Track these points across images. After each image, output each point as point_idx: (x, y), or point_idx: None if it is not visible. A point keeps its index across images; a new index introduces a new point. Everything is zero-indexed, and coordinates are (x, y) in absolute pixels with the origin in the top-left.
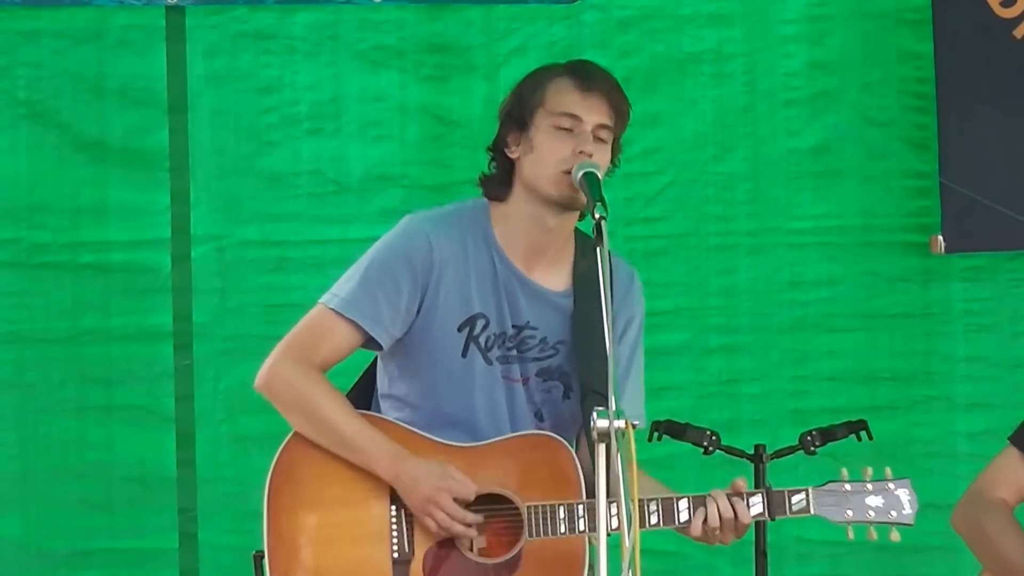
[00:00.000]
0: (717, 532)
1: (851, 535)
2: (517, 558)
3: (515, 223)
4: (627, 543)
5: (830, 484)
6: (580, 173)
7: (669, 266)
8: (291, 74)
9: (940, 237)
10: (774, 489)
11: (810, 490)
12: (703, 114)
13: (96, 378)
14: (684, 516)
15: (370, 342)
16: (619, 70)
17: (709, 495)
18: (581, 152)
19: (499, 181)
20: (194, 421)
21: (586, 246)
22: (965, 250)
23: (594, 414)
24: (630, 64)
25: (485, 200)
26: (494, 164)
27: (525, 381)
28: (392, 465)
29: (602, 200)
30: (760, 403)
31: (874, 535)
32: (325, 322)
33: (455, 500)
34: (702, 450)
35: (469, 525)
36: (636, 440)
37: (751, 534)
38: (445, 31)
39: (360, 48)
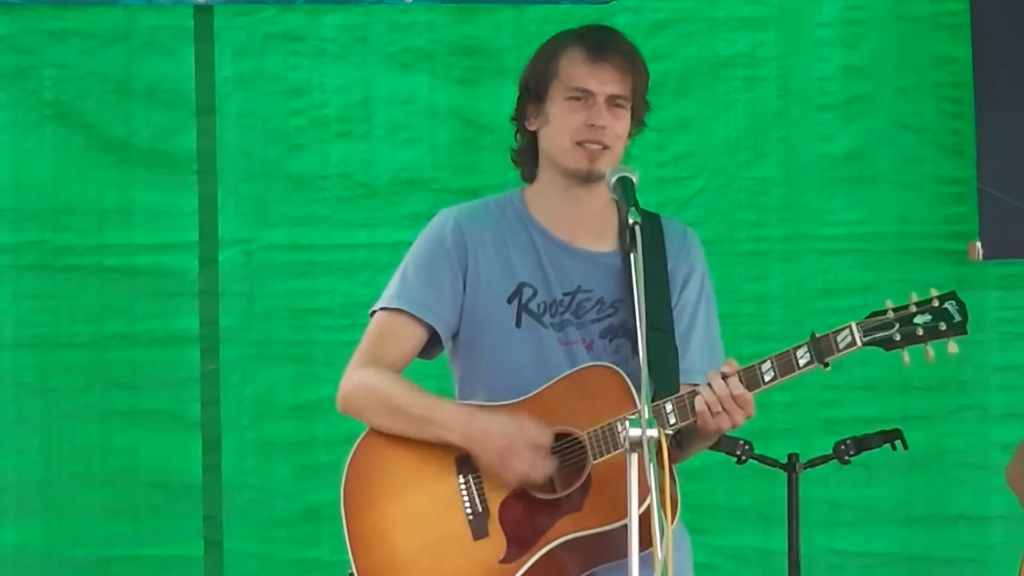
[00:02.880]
0: (721, 412)
1: (907, 360)
2: (587, 484)
3: (549, 197)
4: (659, 555)
5: (873, 314)
6: (614, 178)
7: None
8: (320, 76)
9: (978, 243)
10: (818, 335)
11: (853, 325)
12: (736, 118)
13: (121, 383)
14: (699, 404)
15: (430, 341)
16: (652, 74)
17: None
18: (592, 125)
19: (526, 156)
20: (220, 427)
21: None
22: (1003, 256)
23: (626, 423)
24: (663, 67)
25: (518, 189)
26: (518, 135)
27: (589, 345)
28: (465, 430)
29: (636, 205)
30: (792, 412)
31: (931, 353)
32: (380, 326)
33: (531, 445)
34: (735, 459)
35: (547, 471)
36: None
37: (783, 544)
38: (476, 33)
39: (390, 50)
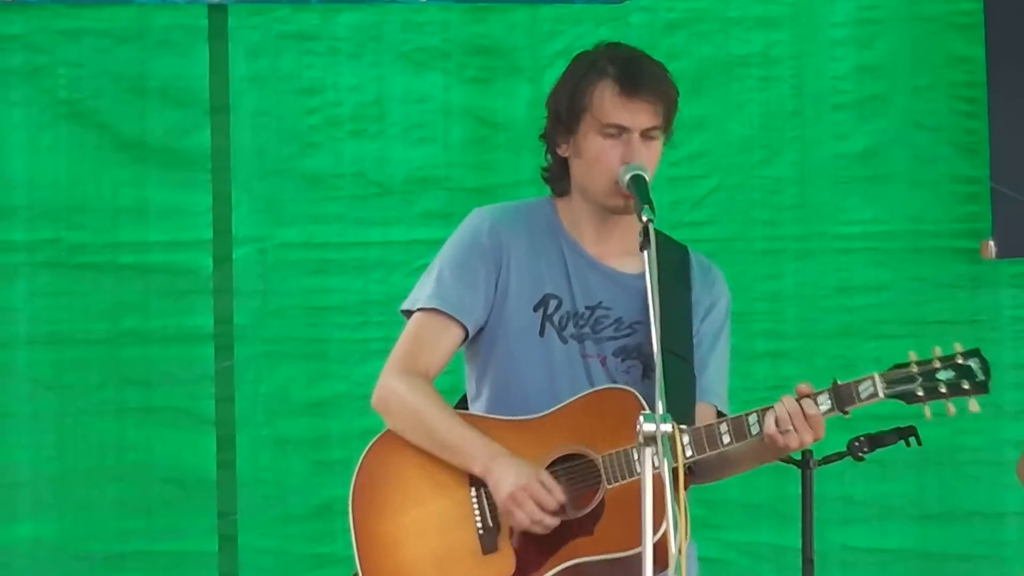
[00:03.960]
0: (791, 431)
1: (928, 414)
2: (600, 507)
3: (579, 215)
4: (673, 549)
5: (896, 367)
6: (627, 176)
7: None
8: (334, 75)
9: (991, 242)
10: (840, 383)
11: (876, 376)
12: (750, 117)
13: (135, 380)
14: (755, 429)
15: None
16: None
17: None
18: (628, 163)
19: (557, 176)
20: (234, 424)
21: (662, 241)
22: (1017, 255)
23: (640, 418)
24: (677, 67)
25: (548, 197)
26: (548, 156)
27: (603, 360)
28: (485, 463)
29: (650, 203)
30: None
31: (952, 410)
32: (419, 327)
33: (538, 504)
34: None
35: (547, 527)
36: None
37: (797, 540)
38: (489, 32)
39: (404, 49)
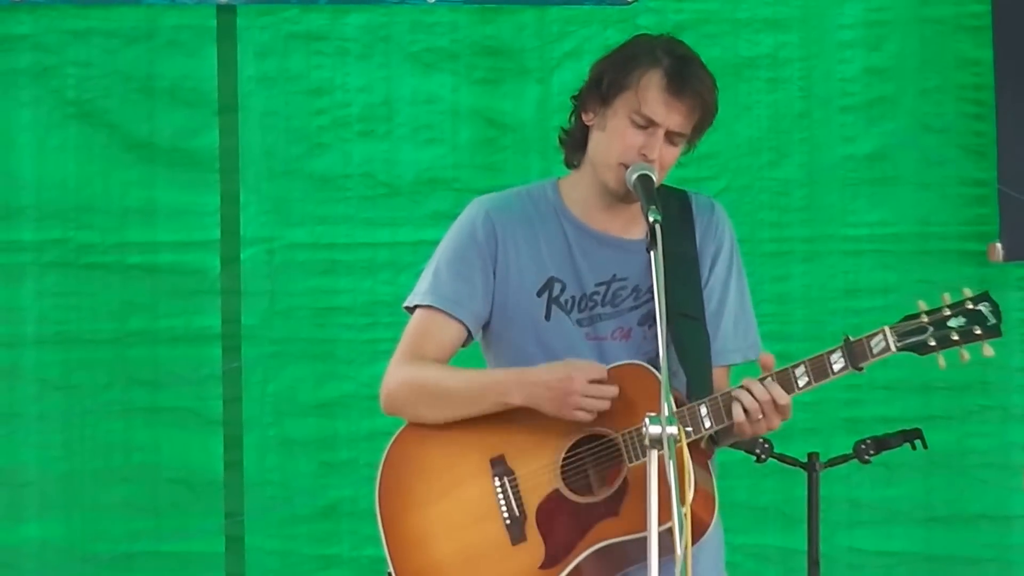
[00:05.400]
0: (761, 418)
1: (942, 363)
2: (624, 486)
3: (584, 190)
4: (679, 551)
5: (907, 318)
6: (634, 176)
7: None
8: (342, 76)
9: (999, 245)
10: (852, 339)
11: (887, 329)
12: (758, 119)
13: (143, 380)
14: (738, 414)
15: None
16: None
17: (738, 387)
18: (644, 155)
19: (574, 143)
20: (242, 424)
21: (661, 193)
22: None
23: (646, 419)
24: None
25: (552, 179)
26: (572, 118)
27: (627, 334)
28: (521, 387)
29: (656, 203)
30: (813, 411)
31: (966, 356)
32: (418, 323)
33: (590, 381)
34: (755, 458)
35: (609, 396)
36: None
37: (803, 543)
38: (498, 34)
39: (412, 50)
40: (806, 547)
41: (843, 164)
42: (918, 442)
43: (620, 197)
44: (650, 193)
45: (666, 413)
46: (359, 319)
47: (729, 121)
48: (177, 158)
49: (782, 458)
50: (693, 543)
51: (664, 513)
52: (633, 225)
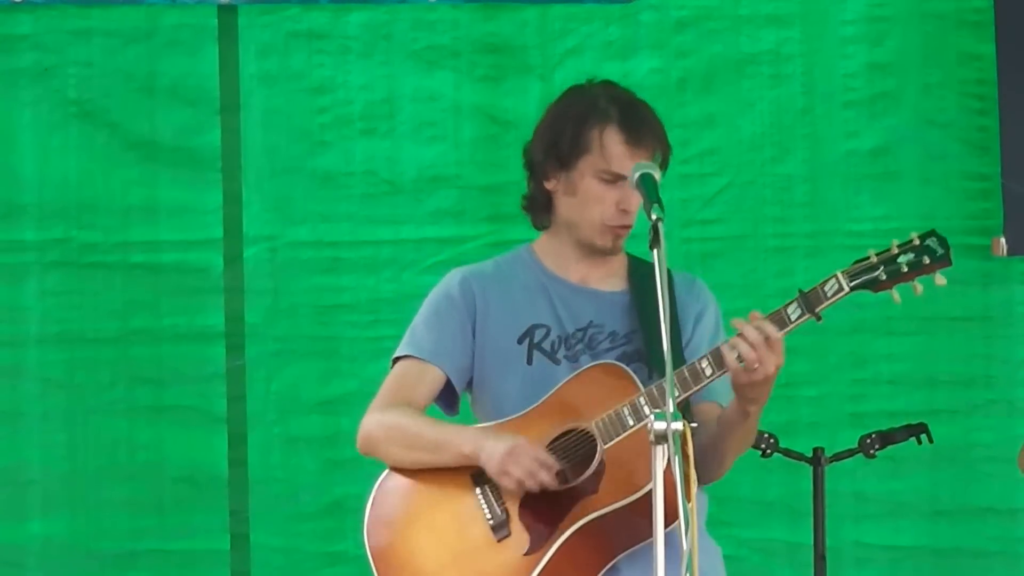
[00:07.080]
0: (757, 365)
1: (897, 297)
2: (601, 467)
3: (560, 246)
4: (685, 546)
5: (857, 262)
6: (636, 175)
7: (726, 268)
8: (344, 74)
9: (1002, 239)
10: (804, 290)
11: (839, 273)
12: (761, 115)
13: (146, 379)
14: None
15: (449, 390)
16: (676, 71)
17: (732, 338)
18: (625, 210)
19: (540, 207)
20: (246, 422)
21: (643, 267)
22: None
23: (651, 416)
24: (687, 65)
25: (526, 245)
26: (532, 184)
27: None
28: (474, 441)
29: (659, 202)
30: (818, 406)
31: (919, 288)
32: (395, 373)
33: (534, 459)
34: (760, 453)
35: (546, 483)
36: None
37: (809, 537)
38: (500, 31)
39: (414, 48)
40: (812, 541)
41: (846, 159)
42: (923, 436)
43: (610, 251)
44: (652, 192)
45: (671, 409)
46: (362, 316)
47: (731, 117)
48: (179, 157)
49: (787, 453)
50: (669, 524)
51: (637, 481)
52: (610, 277)
